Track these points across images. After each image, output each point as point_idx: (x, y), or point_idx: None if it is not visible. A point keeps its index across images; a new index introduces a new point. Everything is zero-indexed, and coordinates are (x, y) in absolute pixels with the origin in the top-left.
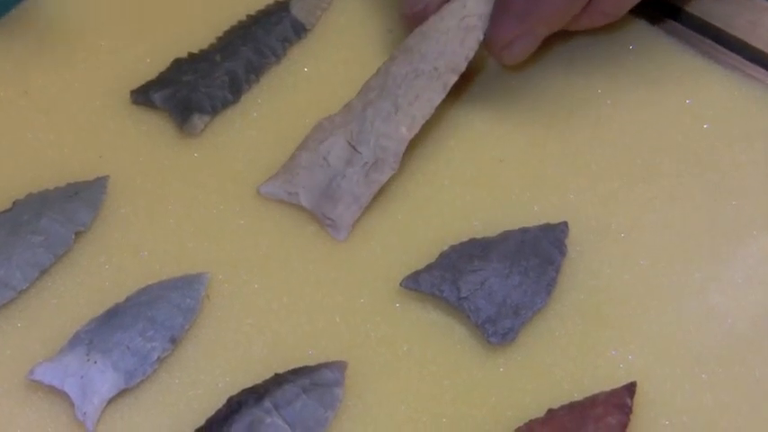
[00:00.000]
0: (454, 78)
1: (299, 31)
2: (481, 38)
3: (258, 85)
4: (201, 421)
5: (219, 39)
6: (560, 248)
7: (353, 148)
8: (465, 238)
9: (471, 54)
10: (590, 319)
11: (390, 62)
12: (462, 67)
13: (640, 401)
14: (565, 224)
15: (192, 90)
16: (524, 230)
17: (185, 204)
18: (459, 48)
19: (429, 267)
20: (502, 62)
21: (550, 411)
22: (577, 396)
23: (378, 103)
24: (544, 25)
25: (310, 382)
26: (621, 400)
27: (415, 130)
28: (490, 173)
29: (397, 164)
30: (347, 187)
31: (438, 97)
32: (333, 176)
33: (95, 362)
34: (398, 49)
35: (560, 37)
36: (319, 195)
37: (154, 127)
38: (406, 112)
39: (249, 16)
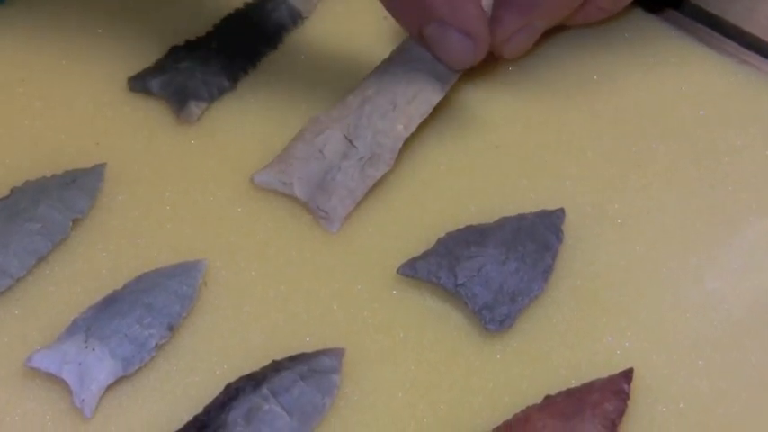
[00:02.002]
0: (453, 80)
1: (296, 18)
2: None
3: (255, 72)
4: (199, 408)
5: (216, 26)
6: (557, 234)
7: (350, 142)
8: (462, 225)
9: None
10: (587, 305)
11: (388, 62)
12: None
13: (637, 388)
14: (561, 210)
15: (188, 77)
16: (521, 217)
17: (182, 191)
18: None
19: (426, 254)
20: (501, 56)
21: (548, 398)
22: (575, 382)
23: (375, 100)
24: (543, 19)
25: (308, 368)
26: (618, 386)
27: (412, 128)
28: (486, 159)
29: (393, 160)
30: (342, 180)
31: (436, 98)
32: (328, 169)
33: (93, 349)
34: (396, 49)
35: (557, 30)
36: (314, 187)
37: (151, 114)
38: (403, 111)
39: (246, 3)
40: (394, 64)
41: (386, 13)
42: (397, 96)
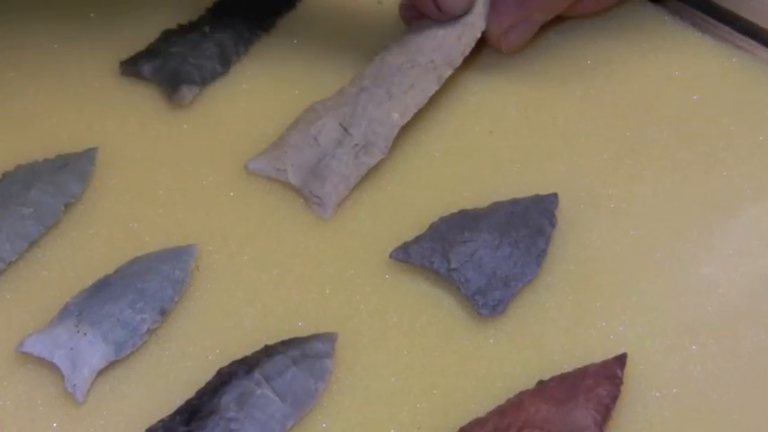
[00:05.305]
0: (449, 71)
1: (289, 2)
2: (478, 35)
3: (247, 56)
4: (192, 393)
5: (209, 10)
6: (550, 219)
7: (345, 129)
8: (455, 210)
9: (468, 50)
10: (580, 290)
11: (386, 52)
12: (458, 61)
13: (631, 373)
14: (555, 195)
15: (181, 61)
16: (514, 202)
17: (175, 176)
18: (456, 43)
19: (419, 239)
20: (500, 50)
21: (540, 383)
22: (568, 367)
23: (372, 90)
24: (541, 12)
25: (300, 353)
26: (612, 371)
27: (408, 117)
28: (480, 144)
29: (387, 149)
30: (336, 167)
31: (432, 88)
32: (322, 156)
33: (85, 333)
34: (395, 41)
35: (554, 22)
36: (307, 173)
37: (143, 98)
38: (399, 100)
39: None
40: (392, 55)
41: None
42: (394, 86)
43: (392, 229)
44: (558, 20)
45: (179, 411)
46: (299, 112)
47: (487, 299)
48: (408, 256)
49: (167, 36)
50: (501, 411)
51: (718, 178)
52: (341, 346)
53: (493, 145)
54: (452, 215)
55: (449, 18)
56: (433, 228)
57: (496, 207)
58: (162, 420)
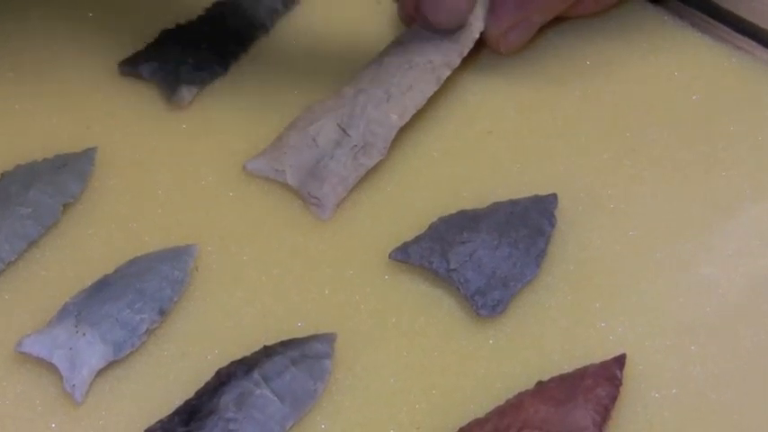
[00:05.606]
0: (448, 72)
1: (288, 2)
2: (477, 36)
3: (246, 56)
4: (190, 393)
5: (207, 10)
6: (550, 220)
7: (343, 130)
8: (454, 210)
9: (466, 51)
10: (580, 290)
11: (384, 54)
12: (457, 62)
13: (630, 373)
14: (554, 195)
15: (180, 62)
16: (514, 202)
17: (174, 176)
18: (454, 44)
19: (418, 239)
20: (498, 51)
21: (540, 383)
22: (567, 368)
23: (370, 91)
24: (540, 13)
25: (299, 353)
26: (611, 372)
27: (406, 118)
28: (479, 144)
29: (386, 150)
30: (334, 168)
31: (431, 89)
32: (321, 157)
33: (84, 334)
34: (393, 42)
35: (553, 23)
36: (306, 174)
37: (142, 98)
38: (397, 101)
39: None
40: (390, 56)
41: None
42: (392, 87)
43: (391, 230)
44: (558, 20)
45: (178, 412)
46: (298, 113)
47: (487, 299)
48: (408, 256)
49: (166, 36)
50: (500, 412)
51: (717, 178)
52: (340, 347)
53: (492, 145)
54: (451, 215)
55: (442, 30)
56: (433, 228)
57: (496, 207)
58: (161, 421)
